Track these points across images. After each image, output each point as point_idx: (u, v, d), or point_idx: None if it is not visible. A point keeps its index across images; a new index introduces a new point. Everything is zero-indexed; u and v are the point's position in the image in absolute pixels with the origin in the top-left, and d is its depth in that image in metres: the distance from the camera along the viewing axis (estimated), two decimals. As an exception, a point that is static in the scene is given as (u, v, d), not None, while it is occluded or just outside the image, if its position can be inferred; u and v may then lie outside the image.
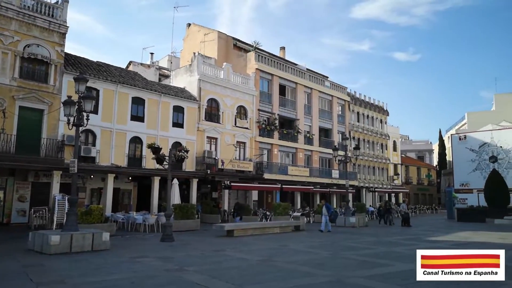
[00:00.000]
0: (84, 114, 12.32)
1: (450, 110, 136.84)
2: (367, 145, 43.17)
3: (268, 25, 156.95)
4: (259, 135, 30.49)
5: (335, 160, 28.38)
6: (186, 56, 34.81)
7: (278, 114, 32.30)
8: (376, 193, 44.17)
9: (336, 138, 37.44)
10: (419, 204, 48.03)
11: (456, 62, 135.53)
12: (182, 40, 37.81)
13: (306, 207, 32.00)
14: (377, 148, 44.70)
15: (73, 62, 22.35)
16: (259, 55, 31.90)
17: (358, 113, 42.47)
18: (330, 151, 28.91)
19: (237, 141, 28.74)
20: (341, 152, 28.44)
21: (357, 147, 28.39)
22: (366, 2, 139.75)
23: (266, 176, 29.43)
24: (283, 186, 30.59)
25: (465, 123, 49.57)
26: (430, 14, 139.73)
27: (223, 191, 27.89)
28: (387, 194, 45.88)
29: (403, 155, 53.85)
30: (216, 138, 27.56)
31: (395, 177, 47.79)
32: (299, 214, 24.97)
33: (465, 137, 39.77)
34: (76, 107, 12.29)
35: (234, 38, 35.03)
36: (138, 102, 24.05)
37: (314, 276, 8.52)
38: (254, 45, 33.48)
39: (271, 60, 33.02)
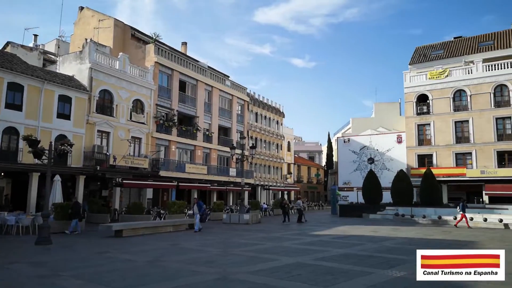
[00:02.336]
0: None
1: (339, 115, 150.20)
2: (264, 145, 44.90)
3: (171, 19, 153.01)
4: (157, 131, 29.46)
5: (233, 159, 28.90)
6: (77, 42, 31.91)
7: (177, 110, 31.60)
8: (271, 191, 46.22)
9: (235, 137, 38.13)
10: (308, 201, 51.64)
11: (345, 72, 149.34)
12: (73, 24, 34.57)
13: (203, 205, 31.93)
14: (273, 148, 46.77)
15: None
16: (159, 48, 30.79)
17: (256, 113, 43.88)
18: (229, 149, 29.30)
19: (132, 137, 27.33)
20: (238, 151, 29.05)
21: (253, 146, 29.27)
22: (269, 8, 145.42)
23: (162, 173, 28.58)
24: (180, 184, 30.06)
25: (349, 128, 54.76)
26: (325, 25, 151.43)
27: (114, 189, 26.28)
28: (280, 192, 48.32)
29: (296, 155, 57.31)
30: (108, 133, 25.80)
31: (288, 175, 50.59)
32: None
33: (348, 140, 43.96)
34: None
35: (132, 28, 33.23)
36: (15, 89, 21.24)
37: (201, 275, 8.48)
38: (154, 37, 32.18)
39: (172, 54, 32.15)
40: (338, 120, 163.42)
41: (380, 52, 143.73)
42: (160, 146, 29.96)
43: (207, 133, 34.70)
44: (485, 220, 22.24)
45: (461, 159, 34.82)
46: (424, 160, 36.42)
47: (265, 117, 45.82)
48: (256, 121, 43.77)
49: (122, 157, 24.99)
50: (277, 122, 48.52)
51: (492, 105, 33.69)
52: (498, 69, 33.88)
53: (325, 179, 63.61)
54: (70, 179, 23.80)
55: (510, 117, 32.77)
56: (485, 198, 32.72)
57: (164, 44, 33.96)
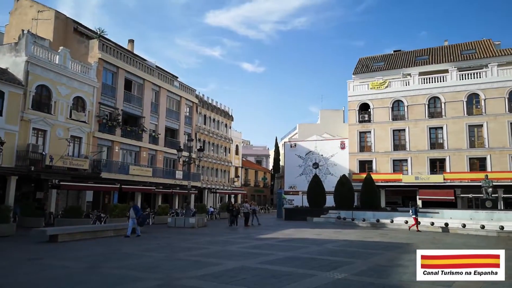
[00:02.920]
0: None
1: (286, 120, 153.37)
2: (212, 148, 44.61)
3: (118, 15, 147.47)
4: (99, 131, 28.12)
5: (179, 161, 28.35)
6: (13, 32, 29.64)
7: (122, 110, 30.42)
8: (218, 194, 45.97)
9: (182, 139, 37.46)
10: (255, 205, 51.99)
11: (293, 78, 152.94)
12: (9, 14, 32.08)
13: (147, 208, 30.99)
14: (220, 151, 46.60)
15: None
16: (104, 44, 29.48)
17: (205, 116, 43.51)
18: (175, 151, 28.70)
19: (72, 136, 25.83)
20: (185, 153, 28.58)
21: (201, 149, 28.95)
22: (220, 11, 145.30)
23: (104, 175, 27.30)
24: (123, 186, 28.89)
25: (296, 133, 56.08)
26: (274, 32, 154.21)
27: (50, 191, 24.65)
28: (227, 195, 48.22)
29: (243, 159, 57.57)
30: (45, 131, 24.15)
31: (236, 179, 50.66)
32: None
33: (295, 145, 44.98)
34: None
35: (75, 21, 31.51)
36: None
37: (143, 281, 8.19)
38: (99, 33, 30.74)
39: (118, 52, 30.94)
40: (286, 125, 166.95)
41: (326, 61, 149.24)
42: (103, 146, 28.63)
43: (153, 134, 33.76)
44: (419, 223, 23.75)
45: (398, 165, 36.99)
46: (365, 165, 38.24)
47: (214, 119, 45.57)
48: (205, 124, 43.39)
49: (59, 157, 23.52)
50: (226, 125, 48.46)
51: (426, 115, 36.22)
52: (432, 82, 36.53)
53: (271, 183, 64.52)
54: (0, 180, 21.96)
55: (441, 127, 35.43)
56: (419, 203, 34.98)
57: (109, 40, 32.58)
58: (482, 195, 27.56)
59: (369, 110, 38.90)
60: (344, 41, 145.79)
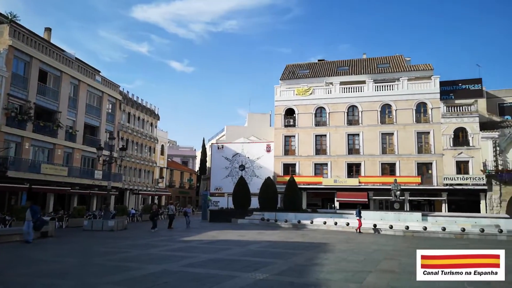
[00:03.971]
0: None
1: (214, 122, 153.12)
2: (135, 147, 42.86)
3: (34, 0, 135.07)
4: (6, 125, 25.39)
5: (99, 160, 26.77)
6: None
7: (34, 103, 27.83)
8: (140, 195, 44.26)
9: (104, 137, 35.43)
10: (180, 206, 51.05)
11: (222, 80, 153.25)
12: None
13: (60, 211, 28.79)
14: (145, 150, 44.97)
15: None
16: (15, 31, 26.75)
17: (129, 113, 41.66)
18: (95, 149, 27.02)
19: (-28, 129, 23.06)
20: (106, 152, 27.08)
21: (123, 148, 27.64)
22: (148, 6, 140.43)
23: (11, 174, 24.72)
24: (33, 186, 26.44)
25: (224, 135, 56.18)
26: (205, 32, 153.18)
27: None
28: (150, 197, 46.66)
29: (169, 159, 56.18)
30: None
31: (160, 180, 49.24)
32: (48, 218, 22.04)
33: (222, 147, 45.07)
34: None
35: (-19, 2, 28.22)
36: None
37: (53, 289, 7.59)
38: (10, 18, 27.83)
39: (32, 39, 28.29)
40: (214, 127, 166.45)
41: (255, 65, 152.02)
42: (10, 142, 25.93)
43: (70, 131, 31.45)
44: (336, 223, 25.25)
45: (319, 169, 38.96)
46: (289, 168, 39.63)
47: (139, 118, 43.85)
48: (129, 122, 41.54)
49: (-44, 153, 20.82)
50: (151, 124, 46.91)
51: (345, 122, 38.68)
52: (351, 91, 39.14)
53: (197, 184, 63.84)
54: None
55: (358, 134, 38.07)
56: (337, 204, 37.18)
57: (22, 27, 29.68)
58: (391, 197, 30.15)
59: (294, 115, 40.43)
60: (273, 47, 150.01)
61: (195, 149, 71.60)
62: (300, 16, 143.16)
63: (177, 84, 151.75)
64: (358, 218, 23.56)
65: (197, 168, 67.61)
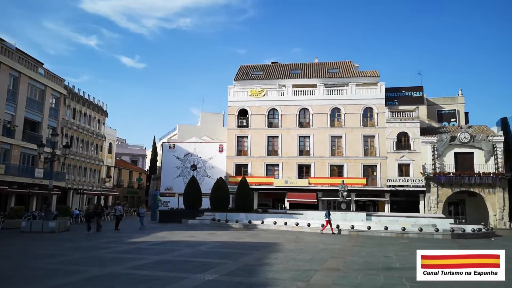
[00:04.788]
0: None
1: (166, 120, 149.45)
2: (81, 145, 40.86)
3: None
4: None
5: (40, 158, 25.24)
6: None
7: (-33, 95, 25.70)
8: (85, 195, 42.28)
9: (46, 133, 33.40)
10: (128, 207, 49.45)
11: (175, 78, 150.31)
12: None
13: (-5, 211, 26.77)
14: (91, 148, 43.01)
15: None
16: None
17: (74, 109, 39.63)
18: (36, 146, 25.41)
19: None
20: (48, 149, 25.61)
21: (67, 145, 26.31)
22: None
23: None
24: (-36, 185, 24.38)
25: (176, 134, 55.10)
26: (158, 28, 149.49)
27: None
28: (96, 197, 44.71)
29: (117, 158, 54.18)
30: None
31: (107, 179, 47.35)
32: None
33: (174, 146, 44.25)
34: None
35: None
36: None
37: (-15, 296, 7.06)
38: None
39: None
40: (165, 126, 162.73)
41: (209, 64, 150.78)
42: None
43: (8, 126, 29.34)
44: (285, 223, 25.73)
45: (271, 170, 39.47)
46: (241, 169, 39.77)
47: (85, 114, 41.85)
48: (74, 118, 39.50)
49: None
50: (99, 121, 44.97)
51: (297, 125, 39.53)
52: (303, 94, 40.09)
53: (147, 184, 62.15)
54: None
55: (309, 136, 39.06)
56: (287, 205, 37.86)
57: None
58: (339, 198, 31.22)
59: (247, 116, 40.65)
60: (227, 47, 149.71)
61: (145, 148, 69.64)
62: (255, 17, 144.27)
63: (127, 81, 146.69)
64: (327, 219, 23.41)
65: (147, 167, 65.82)
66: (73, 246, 15.22)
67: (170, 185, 42.63)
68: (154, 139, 61.57)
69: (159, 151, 55.55)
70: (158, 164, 56.12)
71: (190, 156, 42.97)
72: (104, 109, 46.01)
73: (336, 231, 23.39)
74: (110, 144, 48.77)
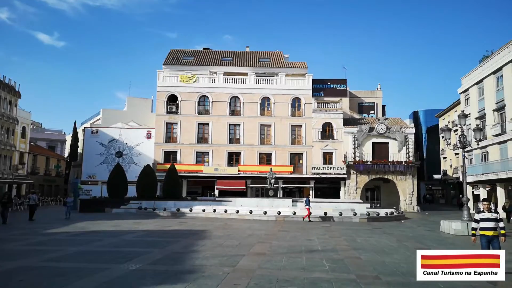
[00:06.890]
0: None
1: (89, 104, 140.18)
2: (-12, 128, 36.80)
3: None
4: None
5: None
6: None
7: None
8: (-6, 184, 38.32)
9: None
10: (44, 196, 45.84)
11: (99, 59, 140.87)
12: None
13: None
14: (1, 132, 38.95)
15: None
16: None
17: (-20, 88, 35.48)
18: None
19: None
20: None
21: (-28, 129, 23.49)
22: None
23: None
24: None
25: (99, 119, 52.01)
26: (80, 5, 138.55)
27: None
28: (7, 185, 40.72)
29: (32, 143, 49.72)
30: None
31: (20, 166, 43.34)
32: None
33: (97, 132, 41.80)
34: None
35: None
36: None
37: None
38: None
39: None
40: (88, 110, 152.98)
41: (137, 47, 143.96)
42: None
43: None
44: (214, 211, 25.82)
45: (201, 157, 39.18)
46: (170, 156, 38.91)
47: (-7, 94, 37.66)
48: (-21, 98, 35.37)
49: None
50: (10, 103, 40.73)
51: (228, 112, 39.58)
52: (234, 82, 40.17)
53: (66, 172, 58.04)
54: None
55: (239, 125, 39.37)
56: (216, 192, 37.98)
57: None
58: (267, 185, 32.04)
59: (177, 102, 39.72)
60: (157, 30, 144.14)
61: (64, 133, 64.73)
62: (188, 1, 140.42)
63: (45, 60, 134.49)
64: (307, 207, 23.38)
65: (66, 153, 61.37)
66: (-22, 240, 13.77)
67: (92, 173, 40.37)
68: (75, 124, 57.50)
69: (81, 137, 52.00)
70: (79, 150, 52.59)
71: (115, 142, 40.99)
72: (17, 89, 41.80)
73: (312, 219, 22.94)
74: (24, 128, 44.59)
